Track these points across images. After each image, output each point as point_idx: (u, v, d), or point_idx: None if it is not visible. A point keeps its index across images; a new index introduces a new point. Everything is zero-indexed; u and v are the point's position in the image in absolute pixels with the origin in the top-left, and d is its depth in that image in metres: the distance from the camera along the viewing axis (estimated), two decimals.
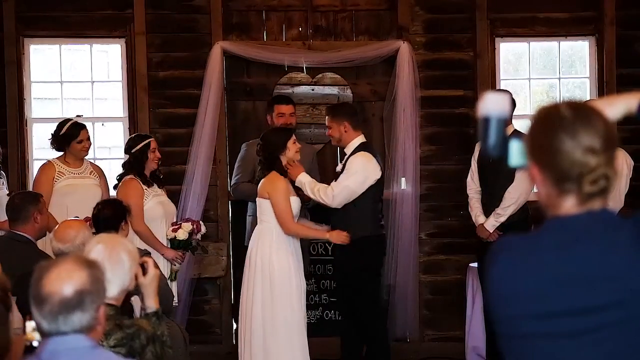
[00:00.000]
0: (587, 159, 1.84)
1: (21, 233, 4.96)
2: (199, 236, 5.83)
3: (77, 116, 6.84)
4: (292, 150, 5.64)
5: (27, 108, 6.96)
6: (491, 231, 6.01)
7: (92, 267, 2.52)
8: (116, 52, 7.11)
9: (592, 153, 1.84)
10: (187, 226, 5.75)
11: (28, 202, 5.07)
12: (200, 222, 5.90)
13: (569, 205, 1.89)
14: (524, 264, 1.88)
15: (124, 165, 5.97)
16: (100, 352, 2.54)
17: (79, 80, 7.27)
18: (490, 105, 2.01)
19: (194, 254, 6.10)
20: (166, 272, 5.66)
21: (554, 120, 1.90)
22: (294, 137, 5.69)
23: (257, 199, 5.69)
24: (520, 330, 1.88)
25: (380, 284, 6.09)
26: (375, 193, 5.86)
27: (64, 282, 2.44)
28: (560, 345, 1.85)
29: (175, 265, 5.81)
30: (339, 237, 5.65)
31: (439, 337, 6.91)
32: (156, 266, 3.53)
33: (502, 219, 5.98)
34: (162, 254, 5.72)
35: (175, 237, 5.74)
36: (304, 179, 5.70)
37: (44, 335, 2.47)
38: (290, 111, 6.37)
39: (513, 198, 5.95)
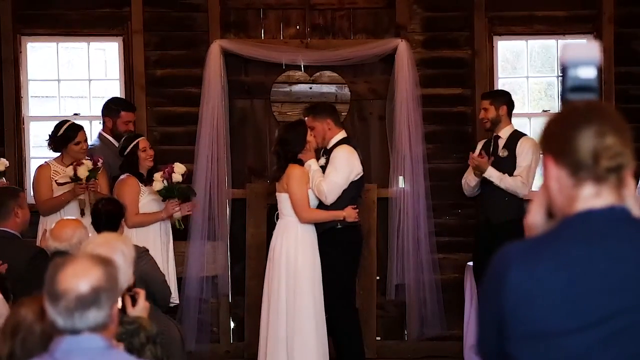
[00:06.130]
0: (603, 139, 1.85)
1: (5, 229, 4.96)
2: (178, 178, 5.84)
3: (74, 114, 6.86)
4: (312, 143, 5.82)
5: (24, 106, 6.95)
6: (485, 162, 5.98)
7: (107, 265, 2.52)
8: (113, 50, 7.09)
9: (607, 134, 1.85)
10: (157, 176, 5.84)
11: (7, 197, 5.07)
12: (174, 165, 5.88)
13: (586, 194, 1.87)
14: (547, 264, 1.84)
15: (120, 167, 6.06)
16: (115, 352, 2.52)
17: (76, 79, 7.25)
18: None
19: (189, 198, 6.07)
20: (165, 269, 5.69)
21: (569, 111, 1.91)
22: (308, 129, 5.82)
23: (278, 194, 5.82)
24: (542, 331, 1.84)
25: (354, 279, 6.09)
26: (355, 189, 5.94)
27: (80, 278, 2.43)
28: (586, 345, 1.81)
29: (176, 214, 5.94)
30: (351, 214, 5.80)
31: (437, 335, 6.90)
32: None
33: (497, 180, 5.94)
34: (162, 218, 5.92)
35: (157, 191, 5.85)
36: (313, 165, 5.82)
37: (59, 332, 2.46)
38: (134, 119, 6.60)
39: (518, 185, 5.94)
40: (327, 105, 6.29)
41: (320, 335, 5.69)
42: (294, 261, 5.67)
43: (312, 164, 5.82)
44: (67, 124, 6.11)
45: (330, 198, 5.77)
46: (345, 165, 5.83)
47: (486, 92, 6.53)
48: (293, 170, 5.72)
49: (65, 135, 6.04)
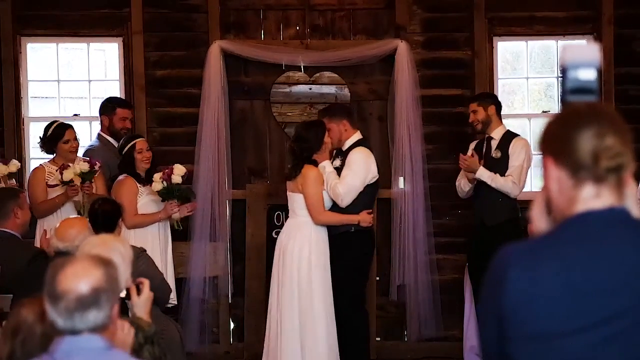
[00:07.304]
0: (603, 139, 1.85)
1: (4, 229, 4.96)
2: (177, 179, 5.83)
3: (74, 115, 6.86)
4: (328, 145, 5.81)
5: (24, 107, 6.95)
6: (476, 162, 6.02)
7: (108, 266, 2.53)
8: (113, 51, 7.10)
9: (607, 135, 1.85)
10: (157, 177, 5.82)
11: (7, 198, 5.07)
12: (174, 166, 5.88)
13: (586, 195, 1.87)
14: (547, 265, 1.84)
15: (118, 166, 6.07)
16: (115, 353, 2.53)
17: (76, 79, 7.26)
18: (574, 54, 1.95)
19: (189, 199, 6.07)
20: (164, 270, 5.69)
21: (568, 112, 1.92)
22: (326, 130, 5.81)
23: (290, 193, 5.78)
24: (542, 332, 1.83)
25: (365, 283, 6.10)
26: (371, 192, 5.93)
27: (80, 279, 2.44)
28: (587, 346, 1.81)
29: (175, 215, 5.95)
30: (366, 218, 5.77)
31: (437, 336, 6.90)
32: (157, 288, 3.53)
33: (489, 180, 5.96)
34: (161, 218, 5.92)
35: (157, 192, 5.83)
36: (328, 167, 5.80)
37: (59, 333, 2.46)
38: (131, 116, 6.57)
39: (508, 185, 5.94)
40: (343, 107, 6.32)
41: (331, 335, 5.69)
42: (307, 261, 5.66)
43: (327, 166, 5.80)
44: (56, 123, 6.10)
45: (346, 200, 5.75)
46: (363, 168, 5.81)
47: (472, 96, 6.55)
48: (309, 171, 5.69)
49: (53, 135, 6.02)
